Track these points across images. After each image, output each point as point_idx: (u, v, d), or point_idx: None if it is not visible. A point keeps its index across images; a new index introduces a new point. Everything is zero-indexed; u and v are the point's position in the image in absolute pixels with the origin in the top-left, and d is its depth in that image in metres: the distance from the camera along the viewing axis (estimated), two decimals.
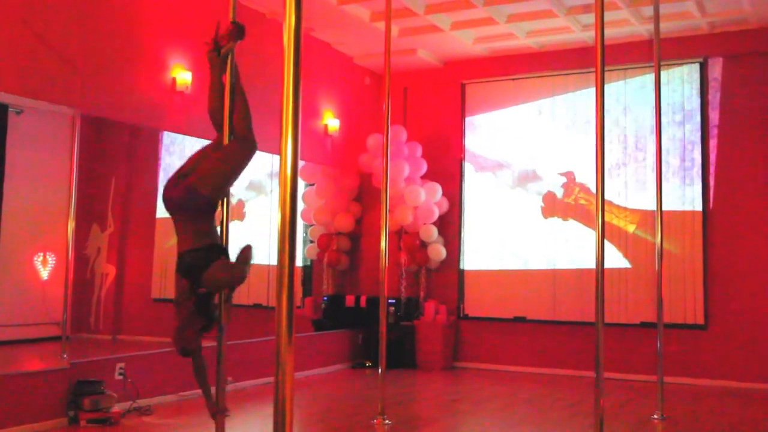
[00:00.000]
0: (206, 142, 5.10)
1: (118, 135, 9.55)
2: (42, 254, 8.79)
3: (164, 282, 9.42)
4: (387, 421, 6.85)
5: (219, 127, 4.87)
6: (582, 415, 7.34)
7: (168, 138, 9.55)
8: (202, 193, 4.72)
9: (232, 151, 4.81)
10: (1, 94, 6.57)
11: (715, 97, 9.64)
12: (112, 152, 9.79)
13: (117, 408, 6.77)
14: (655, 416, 7.22)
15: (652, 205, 9.47)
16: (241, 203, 10.11)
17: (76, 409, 6.57)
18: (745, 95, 9.51)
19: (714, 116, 9.63)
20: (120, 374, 7.12)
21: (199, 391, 4.99)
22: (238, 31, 4.80)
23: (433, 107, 11.36)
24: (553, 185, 10.51)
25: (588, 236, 10.08)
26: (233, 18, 4.82)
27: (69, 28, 6.97)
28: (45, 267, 8.81)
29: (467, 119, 11.15)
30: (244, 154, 4.86)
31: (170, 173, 4.92)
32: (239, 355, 8.29)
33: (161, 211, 10.31)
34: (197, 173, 4.79)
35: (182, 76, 8.03)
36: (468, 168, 11.07)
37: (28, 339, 8.33)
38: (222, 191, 4.85)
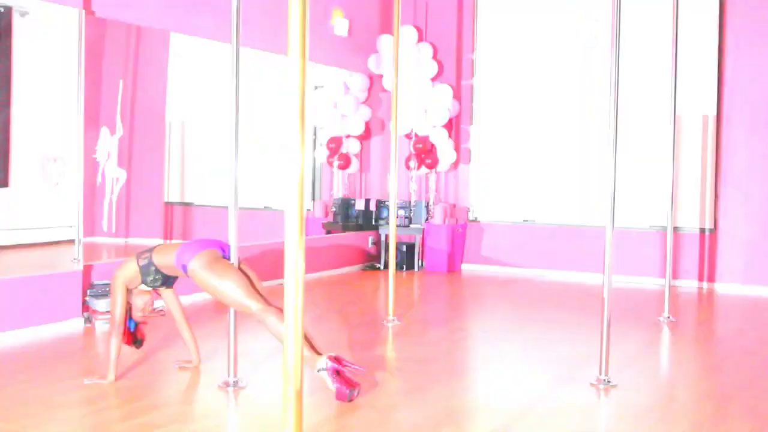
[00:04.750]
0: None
1: (126, 37, 9.40)
2: (53, 158, 8.79)
3: (175, 186, 9.44)
4: (396, 322, 6.96)
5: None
6: (589, 316, 7.43)
7: (177, 40, 9.40)
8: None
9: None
10: None
11: None
12: (119, 55, 9.66)
13: None
14: (662, 318, 7.32)
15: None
16: None
17: (90, 310, 6.70)
18: None
19: (732, 17, 9.39)
20: None
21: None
22: None
23: (445, 7, 11.10)
24: (566, 87, 10.36)
25: (599, 139, 9.99)
26: None
27: None
28: (56, 171, 8.83)
29: (480, 20, 10.91)
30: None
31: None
32: (251, 257, 8.37)
33: (171, 116, 10.30)
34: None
35: None
36: (479, 71, 10.90)
37: (40, 242, 8.42)
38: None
